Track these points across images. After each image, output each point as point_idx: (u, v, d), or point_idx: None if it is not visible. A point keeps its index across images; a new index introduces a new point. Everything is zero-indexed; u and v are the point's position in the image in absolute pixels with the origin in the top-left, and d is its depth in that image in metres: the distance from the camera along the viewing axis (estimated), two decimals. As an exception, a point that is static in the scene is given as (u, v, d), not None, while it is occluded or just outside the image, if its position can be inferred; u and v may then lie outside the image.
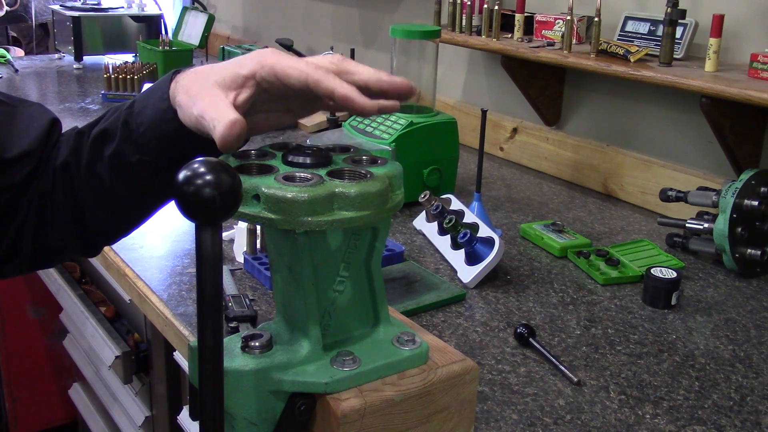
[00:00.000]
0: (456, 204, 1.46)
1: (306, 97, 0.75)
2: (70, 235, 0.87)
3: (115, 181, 0.81)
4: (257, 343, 0.66)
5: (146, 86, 2.27)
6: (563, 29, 1.64)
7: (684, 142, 1.64)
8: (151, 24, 3.14)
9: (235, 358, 0.66)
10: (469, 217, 1.39)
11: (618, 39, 1.64)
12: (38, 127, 0.87)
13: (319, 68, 0.69)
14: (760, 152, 1.50)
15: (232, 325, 1.09)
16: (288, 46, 2.52)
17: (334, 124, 2.18)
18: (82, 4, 3.24)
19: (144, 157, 0.78)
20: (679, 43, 1.52)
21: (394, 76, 0.72)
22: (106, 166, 0.81)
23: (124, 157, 0.79)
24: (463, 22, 1.86)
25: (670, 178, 1.63)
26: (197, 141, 0.75)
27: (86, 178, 0.83)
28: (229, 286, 1.20)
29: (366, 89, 0.70)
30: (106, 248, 1.34)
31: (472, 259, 1.29)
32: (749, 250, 1.33)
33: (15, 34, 4.22)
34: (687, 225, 1.40)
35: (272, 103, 0.77)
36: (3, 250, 0.86)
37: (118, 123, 0.80)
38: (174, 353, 1.35)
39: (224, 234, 1.32)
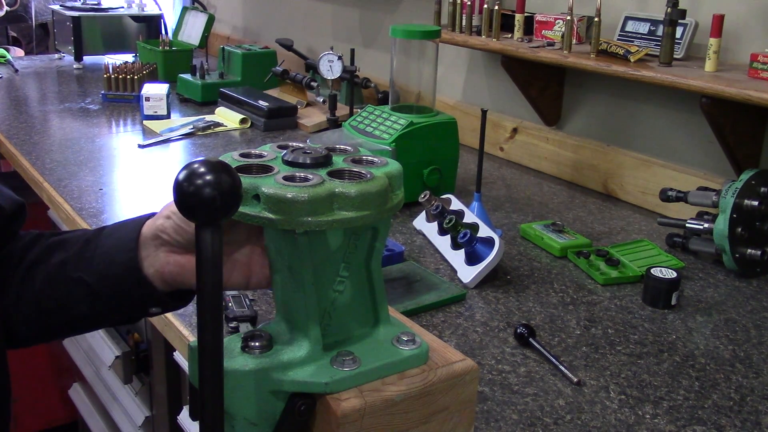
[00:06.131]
0: (456, 204, 1.46)
1: None
2: None
3: (46, 289, 0.81)
4: (257, 343, 0.66)
5: (146, 86, 2.28)
6: (563, 29, 1.64)
7: (684, 142, 1.64)
8: (151, 24, 3.14)
9: (235, 358, 0.66)
10: (469, 217, 1.39)
11: (618, 39, 1.64)
12: (10, 198, 0.88)
13: None
14: (760, 152, 1.50)
15: (232, 325, 1.09)
16: (288, 46, 2.52)
17: (334, 124, 2.18)
18: (82, 4, 3.24)
19: (85, 276, 0.79)
20: (679, 43, 1.51)
21: None
22: (45, 272, 0.82)
23: (67, 269, 0.80)
24: (463, 22, 1.86)
25: (670, 178, 1.63)
26: (140, 281, 0.76)
27: (20, 278, 0.83)
28: (229, 286, 1.20)
29: None
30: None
31: (472, 259, 1.29)
32: (749, 250, 1.33)
33: (15, 34, 4.21)
34: (687, 225, 1.40)
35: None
36: None
37: (81, 239, 0.82)
38: (174, 353, 1.35)
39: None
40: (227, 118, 2.26)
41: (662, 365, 1.07)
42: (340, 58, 2.22)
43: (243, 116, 2.24)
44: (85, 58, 3.04)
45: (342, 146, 0.76)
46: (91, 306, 0.80)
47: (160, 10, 3.22)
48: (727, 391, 1.01)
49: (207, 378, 0.56)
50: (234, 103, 2.32)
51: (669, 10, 1.45)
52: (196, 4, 3.14)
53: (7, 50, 3.26)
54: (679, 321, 1.19)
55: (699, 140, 1.61)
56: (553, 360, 1.05)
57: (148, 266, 0.77)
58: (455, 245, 1.35)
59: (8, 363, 0.87)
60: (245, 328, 1.09)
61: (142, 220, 0.78)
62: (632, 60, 1.50)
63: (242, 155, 0.72)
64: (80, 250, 0.81)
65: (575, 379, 1.01)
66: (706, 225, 1.37)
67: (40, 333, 0.87)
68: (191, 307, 1.16)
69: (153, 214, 0.78)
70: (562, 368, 1.03)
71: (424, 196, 1.37)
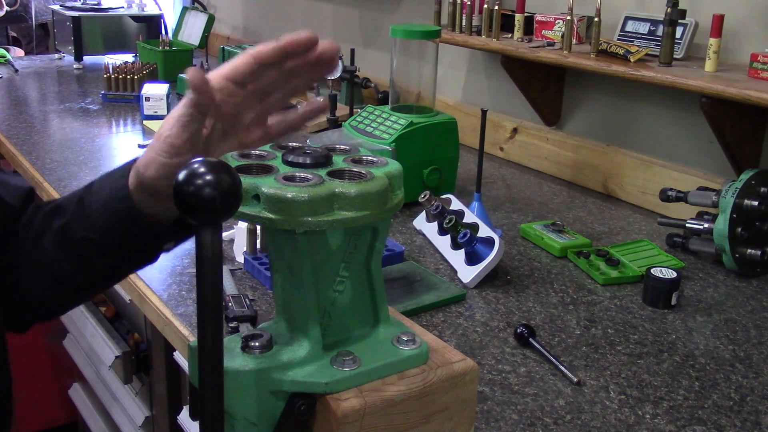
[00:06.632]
0: (456, 204, 1.46)
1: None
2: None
3: (59, 254, 0.82)
4: (257, 343, 0.66)
5: (146, 86, 2.28)
6: (563, 29, 1.64)
7: (684, 142, 1.64)
8: (151, 24, 3.14)
9: (235, 358, 0.66)
10: (469, 217, 1.39)
11: (618, 39, 1.64)
12: (21, 185, 0.90)
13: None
14: (760, 152, 1.50)
15: (232, 325, 1.09)
16: (288, 46, 2.52)
17: (334, 124, 2.18)
18: (82, 4, 3.24)
19: (90, 234, 0.79)
20: (679, 43, 1.51)
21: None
22: (52, 240, 0.82)
23: (71, 232, 0.80)
24: (463, 22, 1.86)
25: (670, 178, 1.63)
26: (146, 224, 0.77)
27: (30, 251, 0.84)
28: (229, 286, 1.20)
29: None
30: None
31: (472, 259, 1.29)
32: (749, 250, 1.33)
33: (15, 34, 4.22)
34: (687, 225, 1.40)
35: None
36: None
37: (73, 199, 0.82)
38: (174, 353, 1.35)
39: (224, 234, 1.32)
40: (227, 118, 2.26)
41: (662, 365, 1.07)
42: (340, 58, 2.21)
43: (243, 116, 2.23)
44: (85, 58, 3.04)
45: (342, 146, 0.76)
46: (104, 260, 0.81)
47: (160, 10, 3.22)
48: (727, 391, 1.01)
49: (207, 378, 0.56)
50: (234, 103, 2.32)
51: (669, 10, 1.45)
52: (196, 4, 3.14)
53: (7, 50, 3.26)
54: (679, 321, 1.19)
55: (699, 140, 1.61)
56: (553, 360, 1.05)
57: (163, 216, 0.77)
58: (455, 245, 1.35)
59: (9, 362, 0.87)
60: (245, 328, 1.09)
61: (127, 168, 0.79)
62: (632, 60, 1.50)
63: (242, 155, 0.72)
64: (76, 211, 0.81)
65: (575, 379, 1.01)
66: (706, 225, 1.37)
67: (64, 300, 0.88)
68: (191, 307, 1.17)
69: (134, 161, 0.79)
70: (562, 368, 1.03)
71: (424, 196, 1.37)
